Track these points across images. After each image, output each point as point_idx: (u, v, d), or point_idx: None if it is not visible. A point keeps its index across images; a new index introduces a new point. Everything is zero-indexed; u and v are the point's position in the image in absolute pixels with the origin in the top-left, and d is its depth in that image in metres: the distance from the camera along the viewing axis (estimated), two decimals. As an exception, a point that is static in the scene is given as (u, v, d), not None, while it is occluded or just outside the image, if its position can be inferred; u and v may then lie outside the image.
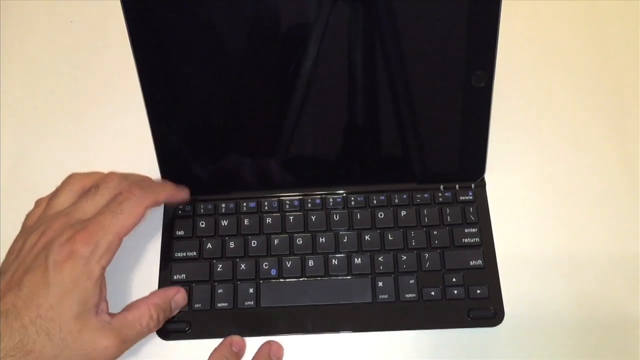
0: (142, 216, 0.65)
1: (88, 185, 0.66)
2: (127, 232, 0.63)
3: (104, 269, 0.61)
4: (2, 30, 0.91)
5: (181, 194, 0.72)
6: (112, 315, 0.62)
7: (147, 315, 0.64)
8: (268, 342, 0.68)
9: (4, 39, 0.90)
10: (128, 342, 0.62)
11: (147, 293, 0.70)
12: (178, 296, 0.68)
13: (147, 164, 0.73)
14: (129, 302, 0.70)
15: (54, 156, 0.81)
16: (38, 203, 0.69)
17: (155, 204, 0.68)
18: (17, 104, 0.85)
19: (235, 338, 0.68)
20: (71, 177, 0.68)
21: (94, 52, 0.88)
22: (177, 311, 0.69)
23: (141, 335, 0.63)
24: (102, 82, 0.86)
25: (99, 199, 0.64)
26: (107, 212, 0.62)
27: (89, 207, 0.64)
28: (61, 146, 0.81)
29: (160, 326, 0.66)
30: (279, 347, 0.68)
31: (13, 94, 0.86)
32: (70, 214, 0.63)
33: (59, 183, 0.75)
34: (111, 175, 0.67)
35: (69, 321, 0.57)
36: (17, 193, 0.78)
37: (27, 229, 0.65)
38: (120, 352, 0.61)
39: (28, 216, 0.68)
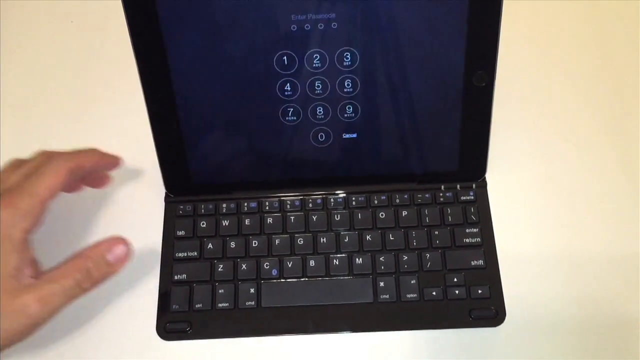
0: (64, 178, 0.62)
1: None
2: (49, 194, 0.61)
3: (26, 231, 0.59)
4: (2, 30, 0.91)
5: (110, 160, 0.70)
6: (36, 277, 0.60)
7: (72, 275, 0.59)
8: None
9: (4, 39, 0.90)
10: (49, 303, 0.57)
11: (147, 293, 0.71)
12: (116, 248, 0.62)
13: (148, 164, 0.75)
14: (129, 302, 0.71)
15: (54, 156, 0.81)
16: None
17: (80, 168, 0.65)
18: (17, 104, 0.85)
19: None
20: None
21: (94, 52, 0.88)
22: (121, 266, 0.62)
23: (65, 295, 0.58)
24: (102, 82, 0.86)
25: (24, 170, 0.63)
26: (23, 175, 0.62)
27: (14, 177, 0.62)
28: (61, 146, 0.80)
29: (97, 284, 0.61)
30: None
31: (13, 94, 0.86)
32: None
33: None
34: (45, 151, 0.66)
35: None
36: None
37: None
38: (42, 314, 0.57)
39: None
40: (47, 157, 0.64)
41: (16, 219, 0.58)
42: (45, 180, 0.61)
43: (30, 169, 0.63)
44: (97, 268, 0.61)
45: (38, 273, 0.61)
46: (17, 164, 0.65)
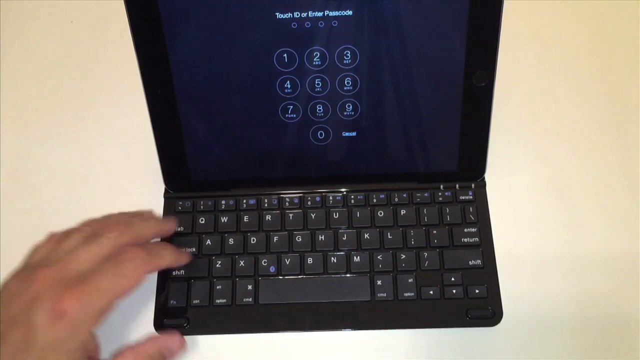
0: (141, 280, 0.62)
1: (97, 229, 0.65)
2: (123, 296, 0.60)
3: (92, 330, 0.59)
4: (2, 30, 0.94)
5: (183, 258, 0.71)
6: None
7: None
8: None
9: (4, 39, 0.94)
10: None
11: (145, 288, 0.72)
12: (172, 343, 0.66)
13: (148, 160, 0.77)
14: (127, 297, 0.73)
15: (54, 156, 0.84)
16: (49, 238, 0.66)
17: (156, 270, 0.68)
18: (17, 104, 0.88)
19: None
20: (84, 222, 0.67)
21: (94, 52, 0.92)
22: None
23: None
24: (102, 82, 0.89)
25: (98, 250, 0.61)
26: (105, 272, 0.60)
27: (87, 257, 0.61)
28: (61, 146, 0.85)
29: None
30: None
31: (13, 94, 0.89)
32: (66, 263, 0.60)
33: (59, 183, 0.80)
34: (115, 225, 0.65)
35: None
36: (17, 193, 0.81)
37: (27, 266, 0.63)
38: None
39: (35, 249, 0.65)
40: (130, 252, 0.63)
41: (86, 319, 0.58)
42: (124, 282, 0.61)
43: (110, 259, 0.62)
44: None
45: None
46: (90, 240, 0.63)
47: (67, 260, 0.60)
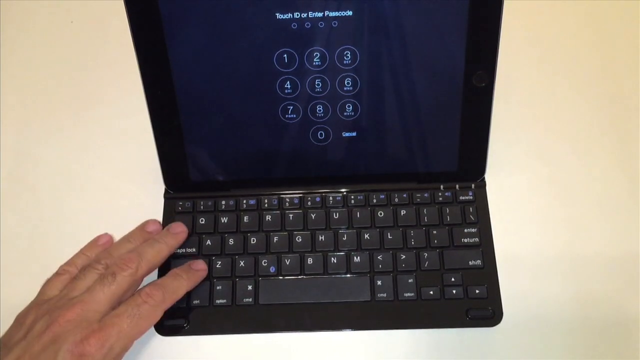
0: (158, 319, 0.67)
1: (111, 265, 0.67)
2: (141, 336, 0.65)
3: None
4: (2, 30, 0.94)
5: (198, 278, 0.72)
6: None
7: None
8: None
9: (4, 39, 0.94)
10: None
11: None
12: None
13: (148, 160, 0.78)
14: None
15: (53, 156, 0.84)
16: (60, 272, 0.69)
17: (173, 303, 0.69)
18: (17, 104, 0.88)
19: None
20: (98, 256, 0.70)
21: (94, 52, 0.92)
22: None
23: None
24: (102, 82, 0.89)
25: (115, 289, 0.64)
26: (125, 315, 0.63)
27: (104, 298, 0.63)
28: (61, 146, 0.85)
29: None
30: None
31: (13, 93, 0.89)
32: (85, 304, 0.63)
33: (59, 183, 0.80)
34: (128, 260, 0.67)
35: None
36: (17, 193, 0.81)
37: (42, 302, 0.66)
38: None
39: (48, 283, 0.68)
40: (146, 296, 0.66)
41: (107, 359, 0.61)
42: (143, 324, 0.65)
43: (129, 302, 0.65)
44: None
45: None
46: (105, 278, 0.65)
47: (86, 301, 0.63)
